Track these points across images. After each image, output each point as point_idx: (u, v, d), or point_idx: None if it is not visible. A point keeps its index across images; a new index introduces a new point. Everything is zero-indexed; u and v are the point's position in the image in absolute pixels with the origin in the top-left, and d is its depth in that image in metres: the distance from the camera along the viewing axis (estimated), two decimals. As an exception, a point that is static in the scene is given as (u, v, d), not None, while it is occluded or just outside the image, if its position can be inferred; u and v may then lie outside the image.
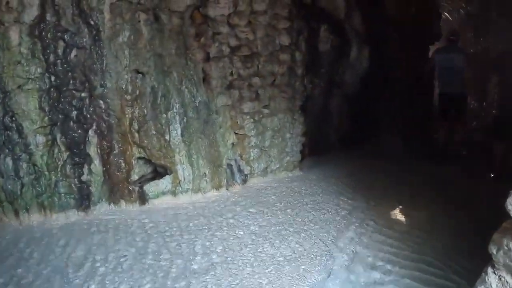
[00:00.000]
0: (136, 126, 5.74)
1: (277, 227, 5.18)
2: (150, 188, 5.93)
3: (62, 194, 5.54)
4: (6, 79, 5.18)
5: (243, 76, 6.44)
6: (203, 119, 6.13)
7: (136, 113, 5.72)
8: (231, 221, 5.39)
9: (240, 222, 5.36)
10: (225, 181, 6.41)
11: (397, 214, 5.62)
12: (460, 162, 8.09)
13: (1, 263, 4.42)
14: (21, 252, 4.64)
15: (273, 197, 6.18)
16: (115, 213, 5.70)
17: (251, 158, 6.68)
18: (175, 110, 5.91)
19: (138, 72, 5.67)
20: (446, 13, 12.04)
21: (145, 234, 5.07)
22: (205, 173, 6.18)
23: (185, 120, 5.98)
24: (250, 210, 5.73)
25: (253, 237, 4.93)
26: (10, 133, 5.33)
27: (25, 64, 5.18)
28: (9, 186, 5.36)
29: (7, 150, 5.34)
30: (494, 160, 7.37)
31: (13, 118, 5.31)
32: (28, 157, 5.38)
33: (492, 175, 7.22)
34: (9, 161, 5.35)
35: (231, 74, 6.35)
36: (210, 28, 6.15)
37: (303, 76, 7.20)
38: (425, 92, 9.83)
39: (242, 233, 5.06)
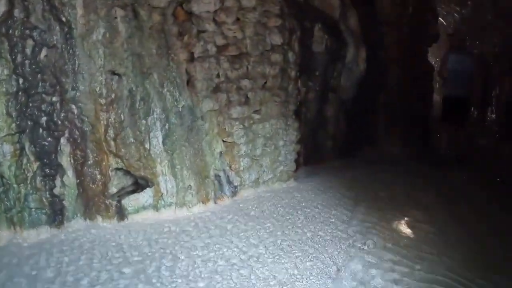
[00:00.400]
0: (112, 133, 5.22)
1: (270, 247, 4.67)
2: (129, 202, 5.40)
3: (33, 209, 5.04)
4: None
5: (231, 78, 5.95)
6: (187, 125, 5.61)
7: (112, 119, 5.21)
8: (219, 239, 4.87)
9: (229, 240, 4.85)
10: (212, 193, 5.88)
11: (403, 228, 5.20)
12: (465, 166, 7.65)
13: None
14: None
15: (266, 211, 5.68)
16: (91, 230, 5.17)
17: (241, 168, 6.16)
18: (155, 116, 5.40)
19: (114, 73, 5.18)
20: (440, 18, 11.70)
21: (121, 255, 4.54)
22: (190, 185, 5.65)
23: (167, 126, 5.47)
24: (240, 226, 5.22)
25: (243, 258, 4.42)
26: None
27: None
28: None
29: None
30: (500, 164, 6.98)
31: None
32: None
33: (499, 179, 6.78)
34: None
35: (218, 76, 5.86)
36: (195, 25, 5.68)
37: (296, 79, 6.74)
38: (425, 94, 9.42)
39: (230, 253, 4.54)
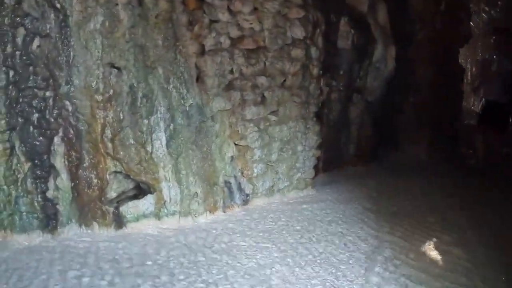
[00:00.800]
0: (109, 133, 4.77)
1: (283, 267, 4.11)
2: (128, 209, 4.94)
3: (24, 213, 4.76)
4: None
5: (246, 75, 5.41)
6: (195, 126, 5.10)
7: (110, 117, 4.76)
8: (224, 256, 4.33)
9: (236, 258, 4.31)
10: (221, 202, 5.37)
11: (431, 251, 4.56)
12: (502, 177, 6.97)
13: None
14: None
15: (279, 224, 5.12)
16: (86, 238, 4.80)
17: (255, 174, 5.61)
18: (159, 115, 4.91)
19: (113, 66, 4.72)
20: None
21: (116, 268, 4.11)
22: (196, 192, 5.14)
23: (172, 127, 4.97)
24: (249, 241, 4.68)
25: (251, 281, 3.88)
26: None
27: None
28: None
29: None
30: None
31: None
32: None
33: None
34: None
35: (231, 71, 5.31)
36: (207, 15, 5.16)
37: (319, 77, 6.14)
38: (456, 97, 8.77)
39: (235, 273, 4.02)
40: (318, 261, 4.23)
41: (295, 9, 5.67)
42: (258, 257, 4.31)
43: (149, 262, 4.22)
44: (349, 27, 6.81)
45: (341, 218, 5.31)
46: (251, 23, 5.39)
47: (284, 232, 4.87)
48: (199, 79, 5.14)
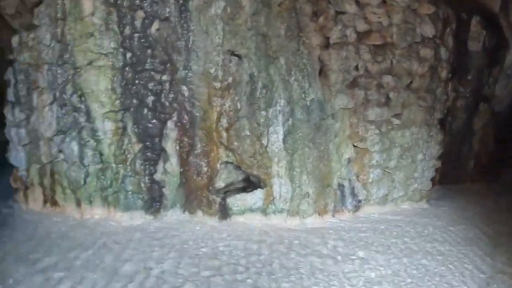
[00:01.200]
0: (225, 122, 4.61)
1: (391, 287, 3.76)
2: (236, 201, 4.78)
3: (129, 192, 4.82)
4: (77, 53, 4.58)
5: (372, 73, 5.01)
6: (314, 123, 4.79)
7: (227, 106, 4.60)
8: (327, 267, 4.02)
9: (340, 268, 4.01)
10: (332, 205, 5.04)
11: None
12: None
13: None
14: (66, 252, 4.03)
15: (391, 237, 4.72)
16: (188, 225, 4.75)
17: (370, 180, 5.20)
18: (278, 108, 4.67)
19: (233, 54, 4.55)
20: None
21: (214, 262, 3.99)
22: (308, 192, 4.86)
23: (290, 122, 4.71)
24: (358, 251, 4.34)
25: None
26: (77, 114, 4.74)
27: (97, 37, 4.54)
28: (73, 173, 4.80)
29: (73, 134, 4.76)
30: None
31: (82, 99, 4.70)
32: (95, 144, 4.74)
33: None
34: (74, 145, 4.76)
35: (356, 68, 4.95)
36: (332, 5, 4.83)
37: (447, 81, 5.61)
38: None
39: (339, 284, 3.73)
40: (428, 283, 3.80)
41: (425, 5, 5.20)
42: (365, 269, 3.97)
43: (249, 259, 4.04)
44: (481, 28, 6.16)
45: (455, 238, 4.77)
46: (379, 17, 4.99)
47: (395, 246, 4.47)
48: (321, 73, 4.81)
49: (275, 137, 4.65)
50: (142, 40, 4.52)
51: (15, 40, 4.88)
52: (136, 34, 4.50)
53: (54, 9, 4.59)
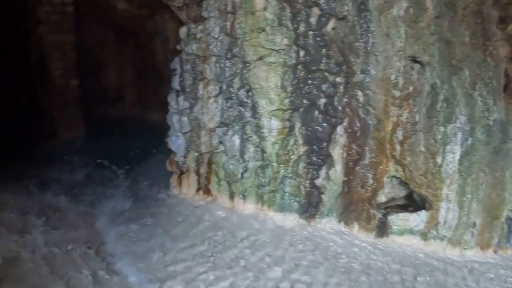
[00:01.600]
0: (400, 135, 4.31)
1: None
2: (397, 220, 4.49)
3: (287, 194, 4.75)
4: (247, 47, 4.59)
5: None
6: (494, 146, 4.34)
7: (404, 117, 4.29)
8: None
9: None
10: (496, 240, 4.56)
11: None
12: None
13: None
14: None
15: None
16: (341, 236, 4.56)
17: (543, 218, 4.69)
18: (458, 125, 4.27)
19: (415, 61, 4.21)
20: None
21: (364, 281, 3.85)
22: (474, 222, 4.44)
23: (469, 142, 4.30)
24: None
25: None
26: (243, 109, 4.75)
27: (269, 32, 4.49)
28: (231, 166, 4.84)
29: (236, 127, 4.78)
30: None
31: (249, 93, 4.69)
32: (258, 140, 4.71)
33: None
34: (236, 139, 4.78)
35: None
36: None
37: None
38: None
39: None
40: None
41: None
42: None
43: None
44: None
45: None
46: None
47: None
48: (507, 89, 4.35)
49: (451, 157, 4.26)
50: (317, 39, 4.36)
51: (183, 31, 4.98)
52: (310, 32, 4.36)
53: (224, 2, 4.63)
